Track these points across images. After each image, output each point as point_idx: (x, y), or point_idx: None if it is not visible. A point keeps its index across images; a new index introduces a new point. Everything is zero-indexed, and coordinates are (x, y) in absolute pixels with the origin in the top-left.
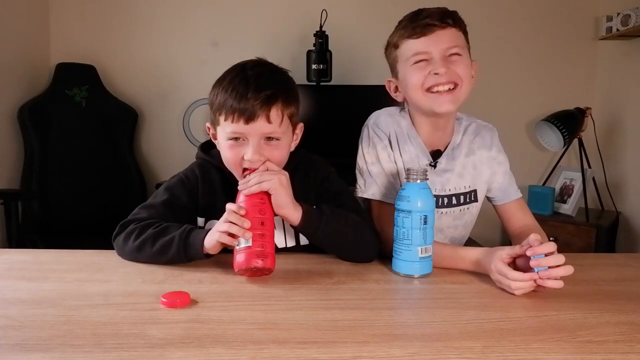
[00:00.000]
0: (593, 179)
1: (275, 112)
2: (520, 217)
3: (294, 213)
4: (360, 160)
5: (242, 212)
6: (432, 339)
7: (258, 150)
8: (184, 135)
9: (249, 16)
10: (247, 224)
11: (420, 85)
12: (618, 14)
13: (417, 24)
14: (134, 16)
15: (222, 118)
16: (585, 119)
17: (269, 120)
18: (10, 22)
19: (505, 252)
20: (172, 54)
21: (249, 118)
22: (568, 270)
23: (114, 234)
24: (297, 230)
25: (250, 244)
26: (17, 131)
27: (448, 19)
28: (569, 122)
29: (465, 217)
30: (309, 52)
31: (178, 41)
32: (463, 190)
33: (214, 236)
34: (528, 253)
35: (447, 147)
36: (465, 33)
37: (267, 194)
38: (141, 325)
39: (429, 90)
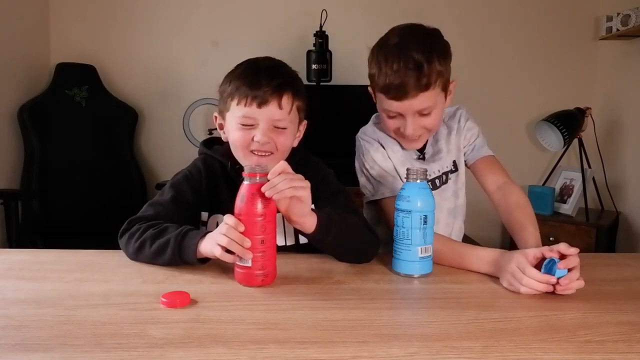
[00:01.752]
0: (593, 179)
1: (286, 100)
2: (493, 176)
3: (309, 220)
4: (361, 170)
5: (241, 228)
6: (431, 339)
7: (267, 133)
8: (184, 135)
9: (249, 16)
10: (247, 243)
11: (392, 130)
12: (618, 14)
13: (392, 85)
14: (134, 16)
15: (234, 103)
16: (585, 119)
17: (280, 107)
18: (10, 22)
19: (532, 255)
20: (172, 54)
21: (262, 103)
22: (581, 284)
23: (121, 230)
24: (308, 237)
25: (250, 264)
26: (17, 131)
27: (421, 82)
28: (569, 122)
29: (451, 187)
30: (309, 52)
31: (178, 41)
32: (446, 170)
33: (213, 250)
34: (560, 266)
35: (428, 139)
36: (442, 76)
37: (269, 207)
38: (141, 325)
39: (400, 135)
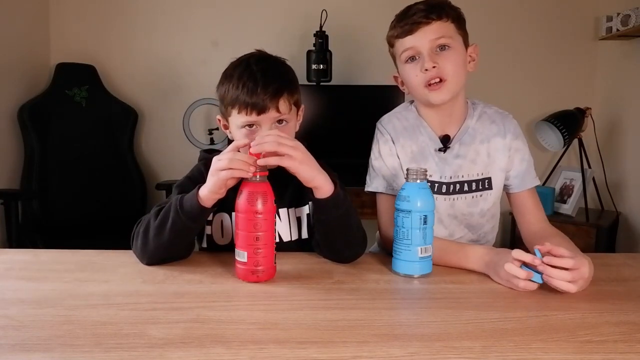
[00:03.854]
0: (593, 179)
1: (283, 103)
2: (534, 215)
3: (325, 184)
4: (369, 160)
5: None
6: (431, 338)
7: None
8: (184, 135)
9: (249, 16)
10: (252, 168)
11: (417, 83)
12: (618, 14)
13: (404, 22)
14: (134, 16)
15: (235, 111)
16: (585, 119)
17: (278, 111)
18: (10, 22)
19: (518, 254)
20: (172, 54)
21: (261, 110)
22: (570, 287)
23: (132, 233)
24: (319, 206)
25: (246, 259)
26: (17, 131)
27: (432, 13)
28: (569, 122)
29: (480, 204)
30: (309, 52)
31: (178, 41)
32: (475, 177)
33: (219, 176)
34: (540, 268)
35: (458, 131)
36: (456, 21)
37: (267, 205)
38: (141, 325)
39: (426, 86)
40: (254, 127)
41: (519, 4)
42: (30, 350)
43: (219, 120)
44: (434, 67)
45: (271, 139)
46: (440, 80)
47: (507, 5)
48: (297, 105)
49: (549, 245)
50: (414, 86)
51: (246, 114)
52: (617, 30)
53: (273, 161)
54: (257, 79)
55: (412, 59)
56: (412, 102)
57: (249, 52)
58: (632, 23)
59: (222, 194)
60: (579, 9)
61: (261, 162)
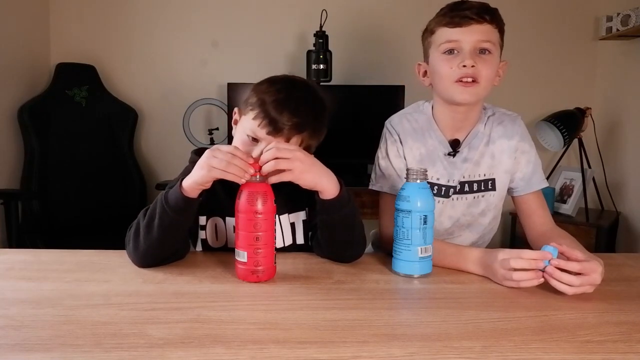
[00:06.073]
0: (593, 179)
1: (296, 140)
2: (539, 216)
3: (329, 186)
4: (376, 157)
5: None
6: (431, 338)
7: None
8: (184, 135)
9: (249, 16)
10: (250, 169)
11: (448, 76)
12: (618, 14)
13: (456, 13)
14: (134, 16)
15: (252, 114)
16: (585, 119)
17: (287, 141)
18: (10, 22)
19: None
20: (172, 54)
21: (274, 132)
22: (566, 289)
23: (126, 237)
24: (327, 205)
25: (246, 259)
26: (17, 131)
27: (486, 14)
28: (569, 122)
29: (481, 205)
30: (309, 52)
31: (178, 41)
32: (478, 178)
33: (210, 173)
34: (553, 262)
35: (467, 135)
36: (501, 32)
37: (267, 205)
38: (141, 325)
39: (457, 81)
40: (255, 141)
41: (519, 4)
42: (30, 350)
43: (235, 112)
44: (472, 66)
45: (269, 155)
46: (473, 81)
47: (507, 5)
48: (308, 149)
49: (565, 247)
50: (444, 78)
51: (258, 125)
52: (617, 30)
53: (275, 180)
54: (290, 101)
55: (450, 51)
56: (425, 102)
57: (303, 77)
58: (632, 23)
59: (207, 186)
60: (579, 9)
61: (271, 179)
